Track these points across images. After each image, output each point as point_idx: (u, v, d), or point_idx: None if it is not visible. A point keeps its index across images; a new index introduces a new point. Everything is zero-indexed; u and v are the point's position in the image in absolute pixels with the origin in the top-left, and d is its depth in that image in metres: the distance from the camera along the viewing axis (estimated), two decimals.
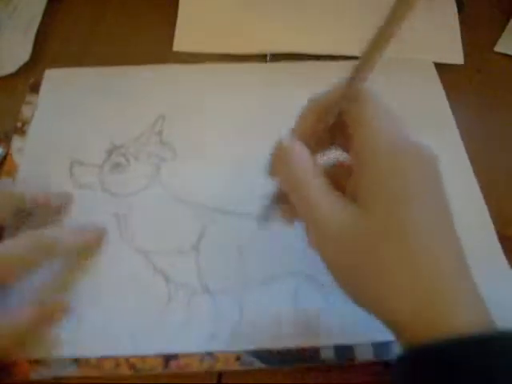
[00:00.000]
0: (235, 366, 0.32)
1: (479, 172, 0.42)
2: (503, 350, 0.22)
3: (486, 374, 0.22)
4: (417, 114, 0.46)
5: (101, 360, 0.32)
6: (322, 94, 0.28)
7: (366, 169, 0.25)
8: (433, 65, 0.49)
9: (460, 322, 0.23)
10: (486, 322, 0.24)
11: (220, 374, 0.33)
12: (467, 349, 0.22)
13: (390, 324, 0.25)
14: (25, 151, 0.42)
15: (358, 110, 0.27)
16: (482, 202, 0.40)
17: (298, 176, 0.26)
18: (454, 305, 0.23)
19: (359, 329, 0.34)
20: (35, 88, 0.46)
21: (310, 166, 0.26)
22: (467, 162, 0.42)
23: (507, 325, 0.24)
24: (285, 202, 0.30)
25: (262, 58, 0.50)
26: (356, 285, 0.26)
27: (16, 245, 0.32)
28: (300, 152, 0.27)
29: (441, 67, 0.49)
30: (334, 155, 0.30)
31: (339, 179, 0.28)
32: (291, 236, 0.37)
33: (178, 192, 0.40)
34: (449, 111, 0.46)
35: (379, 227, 0.24)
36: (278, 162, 0.28)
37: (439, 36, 0.52)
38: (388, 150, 0.25)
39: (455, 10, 0.54)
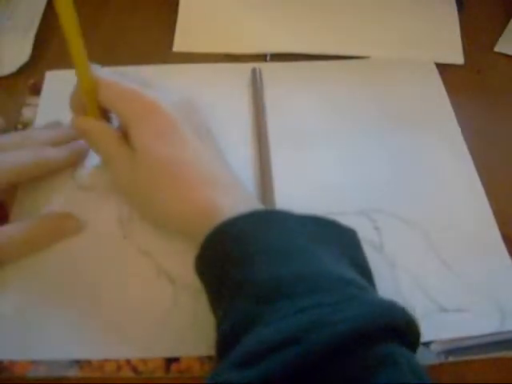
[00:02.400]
0: None
1: (480, 171, 0.42)
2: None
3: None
4: (419, 114, 0.46)
5: (102, 362, 0.32)
6: (72, 95, 0.36)
7: (129, 125, 0.34)
8: (434, 64, 0.49)
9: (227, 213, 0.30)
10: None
11: None
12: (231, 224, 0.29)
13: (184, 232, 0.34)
14: None
15: (102, 92, 0.34)
16: (485, 200, 0.40)
17: (102, 142, 0.36)
18: (224, 205, 0.31)
19: None
20: (35, 89, 0.46)
21: (106, 132, 0.36)
22: (470, 161, 0.42)
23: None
24: None
25: (261, 58, 0.50)
26: (150, 208, 0.35)
27: None
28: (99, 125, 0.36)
29: (441, 67, 0.49)
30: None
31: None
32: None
33: None
34: (451, 111, 0.46)
35: (143, 163, 0.33)
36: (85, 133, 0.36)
37: (439, 36, 0.52)
38: (131, 106, 0.34)
39: (455, 9, 0.54)
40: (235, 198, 0.32)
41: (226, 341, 0.27)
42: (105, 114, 0.37)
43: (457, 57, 0.50)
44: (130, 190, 0.36)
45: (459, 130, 0.44)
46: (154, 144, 0.33)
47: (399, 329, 0.25)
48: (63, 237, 0.37)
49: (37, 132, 0.40)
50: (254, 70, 0.48)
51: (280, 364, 0.23)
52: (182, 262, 0.36)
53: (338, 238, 0.31)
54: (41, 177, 0.39)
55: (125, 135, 0.35)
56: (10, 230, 0.35)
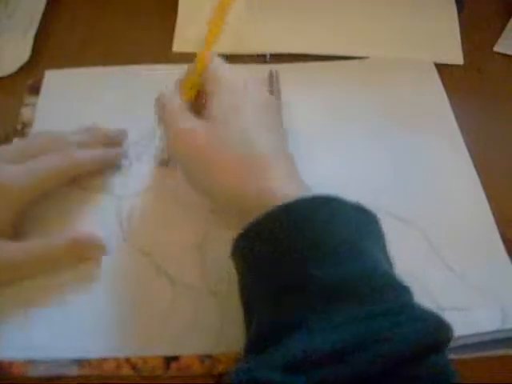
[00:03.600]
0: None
1: (480, 171, 0.42)
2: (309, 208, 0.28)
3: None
4: (418, 114, 0.46)
5: (101, 360, 0.32)
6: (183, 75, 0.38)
7: (214, 97, 0.35)
8: (433, 65, 0.49)
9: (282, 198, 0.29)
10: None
11: (220, 376, 0.33)
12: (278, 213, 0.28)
13: (236, 211, 0.32)
14: None
15: (209, 76, 0.36)
16: (485, 200, 0.40)
17: (170, 108, 0.36)
18: (279, 190, 0.30)
19: None
20: (34, 89, 0.46)
21: (181, 109, 0.35)
22: (469, 161, 0.42)
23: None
24: None
25: (261, 58, 0.50)
26: (206, 179, 0.33)
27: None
28: (174, 97, 0.36)
29: (441, 67, 0.49)
30: None
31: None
32: None
33: (181, 192, 0.40)
34: (450, 110, 0.46)
35: (220, 132, 0.33)
36: (160, 107, 0.37)
37: (439, 36, 0.52)
38: (228, 86, 0.35)
39: (455, 9, 0.54)
40: (291, 186, 0.31)
41: (267, 337, 0.26)
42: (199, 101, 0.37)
43: (456, 57, 0.50)
44: (193, 155, 0.34)
45: (458, 129, 0.44)
46: (232, 115, 0.33)
47: (445, 342, 0.25)
48: (85, 260, 0.36)
49: (68, 134, 0.39)
50: (271, 73, 0.48)
51: (333, 376, 0.22)
52: (181, 261, 0.36)
53: (379, 233, 0.31)
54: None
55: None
56: (28, 248, 0.34)
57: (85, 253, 0.36)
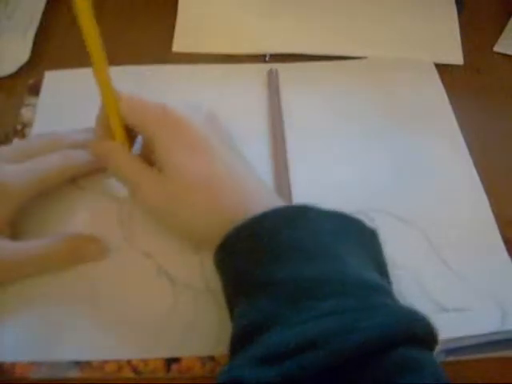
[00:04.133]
0: None
1: (480, 171, 0.42)
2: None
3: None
4: (418, 114, 0.46)
5: (102, 362, 0.32)
6: (97, 118, 0.36)
7: (157, 142, 0.33)
8: (433, 65, 0.49)
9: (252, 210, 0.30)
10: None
11: None
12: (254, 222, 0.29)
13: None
14: None
15: (125, 107, 0.34)
16: (485, 199, 0.40)
17: (123, 167, 0.35)
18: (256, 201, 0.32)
19: None
20: (34, 90, 0.46)
21: (127, 157, 0.35)
22: (469, 161, 0.42)
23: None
24: None
25: (261, 58, 0.50)
26: (177, 222, 0.34)
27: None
28: (120, 149, 0.35)
29: (440, 67, 0.49)
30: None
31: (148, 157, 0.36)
32: None
33: None
34: (450, 110, 0.46)
35: (175, 180, 0.33)
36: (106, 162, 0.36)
37: (439, 36, 0.52)
38: (159, 122, 0.33)
39: (455, 10, 0.54)
40: (262, 201, 0.32)
41: (244, 337, 0.27)
42: (129, 137, 0.36)
43: (456, 57, 0.50)
44: (156, 208, 0.34)
45: (458, 129, 0.44)
46: (187, 161, 0.33)
47: (420, 336, 0.25)
48: (84, 261, 0.36)
49: (68, 135, 0.39)
50: (270, 70, 0.48)
51: (304, 366, 0.23)
52: (182, 262, 0.36)
53: (363, 238, 0.31)
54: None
55: (146, 157, 0.35)
56: (28, 248, 0.34)
57: (84, 254, 0.36)
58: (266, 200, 0.33)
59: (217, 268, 0.32)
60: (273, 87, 0.47)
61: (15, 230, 0.36)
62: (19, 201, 0.35)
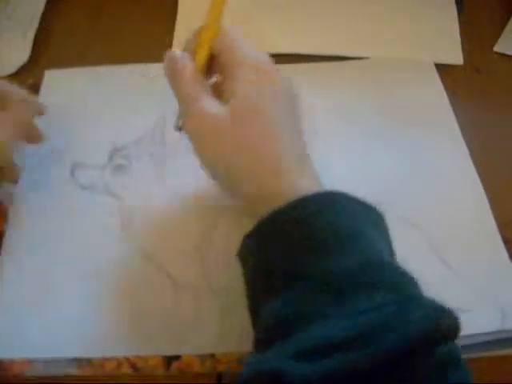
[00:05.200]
0: (237, 368, 0.32)
1: (480, 172, 0.42)
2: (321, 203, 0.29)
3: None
4: (418, 114, 0.46)
5: (102, 360, 0.32)
6: (192, 36, 0.35)
7: (234, 75, 0.32)
8: (433, 65, 0.49)
9: (295, 192, 0.29)
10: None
11: (219, 376, 0.33)
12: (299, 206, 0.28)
13: (246, 205, 0.33)
14: (26, 153, 0.41)
15: (223, 40, 0.33)
16: (485, 200, 0.40)
17: (185, 79, 0.33)
18: (293, 182, 0.30)
19: None
20: (34, 89, 0.46)
21: (195, 75, 0.33)
22: (469, 161, 0.42)
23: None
24: None
25: None
26: (218, 167, 0.32)
27: None
28: (191, 66, 0.33)
29: (441, 67, 0.49)
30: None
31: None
32: None
33: (181, 193, 0.40)
34: (450, 111, 0.46)
35: (237, 114, 0.31)
36: (172, 71, 0.33)
37: (439, 36, 0.52)
38: (249, 64, 0.32)
39: (455, 10, 0.54)
40: (298, 180, 0.31)
41: (280, 329, 0.26)
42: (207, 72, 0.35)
43: (456, 57, 0.50)
44: (206, 132, 0.32)
45: (458, 130, 0.44)
46: (262, 99, 0.31)
47: (452, 329, 0.25)
48: None
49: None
50: None
51: (348, 362, 0.23)
52: (182, 262, 0.36)
53: (382, 223, 0.31)
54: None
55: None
56: None
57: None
58: (314, 177, 0.32)
59: (245, 252, 0.31)
60: None
61: None
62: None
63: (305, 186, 0.30)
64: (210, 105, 0.32)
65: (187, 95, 0.33)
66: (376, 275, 0.26)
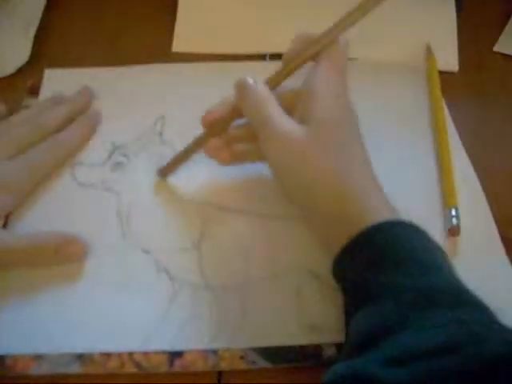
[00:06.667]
0: (240, 365, 0.32)
1: (479, 172, 0.42)
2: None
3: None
4: (416, 115, 0.46)
5: (105, 358, 0.32)
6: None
7: (315, 97, 0.33)
8: (422, 66, 0.49)
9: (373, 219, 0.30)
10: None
11: (220, 374, 0.33)
12: (385, 229, 0.30)
13: (320, 222, 0.33)
14: None
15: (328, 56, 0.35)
16: (484, 200, 0.40)
17: (262, 103, 0.34)
18: (374, 206, 0.31)
19: None
20: (34, 90, 0.46)
21: (269, 95, 0.34)
22: (468, 162, 0.42)
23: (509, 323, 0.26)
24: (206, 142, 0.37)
25: (261, 57, 0.50)
26: (292, 186, 0.33)
27: None
28: (262, 87, 0.35)
29: None
30: None
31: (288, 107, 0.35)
32: (294, 232, 0.37)
33: (180, 190, 0.40)
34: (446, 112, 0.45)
35: (320, 140, 0.32)
36: (243, 95, 0.35)
37: (436, 42, 0.51)
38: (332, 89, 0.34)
39: (454, 9, 0.53)
40: (380, 206, 0.32)
41: (368, 340, 0.26)
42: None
43: (452, 64, 0.50)
44: (289, 163, 0.33)
45: (455, 130, 0.44)
46: (337, 124, 0.33)
47: None
48: (65, 261, 0.35)
49: (44, 117, 0.41)
50: None
51: (436, 369, 0.23)
52: (181, 258, 0.36)
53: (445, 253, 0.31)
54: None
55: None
56: (10, 240, 0.35)
57: (63, 252, 0.35)
58: (383, 204, 0.32)
59: (339, 276, 0.32)
60: None
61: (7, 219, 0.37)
62: (18, 196, 0.37)
63: (386, 214, 0.31)
64: (284, 121, 0.33)
65: (262, 117, 0.33)
66: (455, 296, 0.27)
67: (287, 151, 0.32)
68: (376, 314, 0.27)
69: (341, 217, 0.31)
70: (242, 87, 0.35)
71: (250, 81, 0.35)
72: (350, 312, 0.30)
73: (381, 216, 0.30)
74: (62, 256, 0.35)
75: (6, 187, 0.36)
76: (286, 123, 0.33)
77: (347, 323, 0.30)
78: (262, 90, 0.34)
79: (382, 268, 0.29)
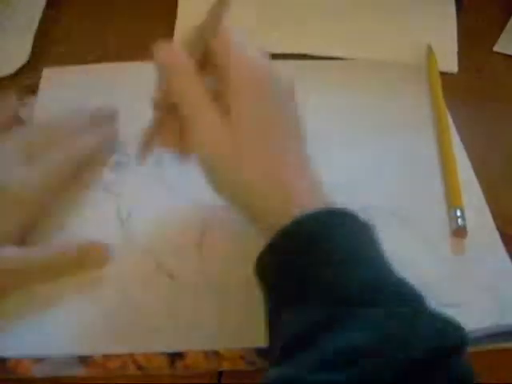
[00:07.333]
0: (240, 365, 0.32)
1: (478, 171, 0.42)
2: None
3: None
4: (417, 115, 0.46)
5: (106, 360, 0.32)
6: (189, 31, 0.33)
7: (231, 84, 0.31)
8: (422, 66, 0.49)
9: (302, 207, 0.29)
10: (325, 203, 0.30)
11: (220, 374, 0.33)
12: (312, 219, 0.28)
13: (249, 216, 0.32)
14: None
15: (221, 41, 0.32)
16: (484, 200, 0.40)
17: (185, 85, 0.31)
18: (298, 196, 0.30)
19: None
20: (33, 90, 0.46)
21: (195, 76, 0.31)
22: (467, 161, 0.42)
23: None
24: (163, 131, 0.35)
25: None
26: (219, 176, 0.32)
27: None
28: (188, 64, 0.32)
29: None
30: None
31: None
32: None
33: (181, 190, 0.40)
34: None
35: (242, 127, 0.31)
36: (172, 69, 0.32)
37: (436, 43, 0.51)
38: (248, 66, 0.31)
39: (454, 10, 0.53)
40: (314, 192, 0.31)
41: (296, 343, 0.26)
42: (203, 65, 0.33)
43: (451, 65, 0.50)
44: (210, 147, 0.31)
45: (455, 129, 0.44)
46: (259, 109, 0.31)
47: (463, 343, 0.25)
48: (88, 269, 0.35)
49: (61, 125, 0.39)
50: None
51: (373, 371, 0.23)
52: (181, 259, 0.36)
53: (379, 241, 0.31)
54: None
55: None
56: (34, 256, 0.34)
57: (89, 262, 0.35)
58: (318, 195, 0.31)
59: (261, 274, 0.30)
60: None
61: (25, 236, 0.36)
62: (31, 209, 0.35)
63: (314, 203, 0.30)
64: (213, 120, 0.31)
65: (188, 107, 0.31)
66: (389, 291, 0.27)
67: (215, 155, 0.31)
68: (302, 316, 0.27)
69: (264, 211, 0.31)
70: (170, 57, 0.33)
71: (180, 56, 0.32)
72: (273, 311, 0.29)
73: (305, 208, 0.29)
74: (82, 265, 0.34)
75: (15, 198, 0.34)
76: (213, 111, 0.31)
77: (271, 323, 0.29)
78: (191, 72, 0.31)
79: (311, 262, 0.27)
